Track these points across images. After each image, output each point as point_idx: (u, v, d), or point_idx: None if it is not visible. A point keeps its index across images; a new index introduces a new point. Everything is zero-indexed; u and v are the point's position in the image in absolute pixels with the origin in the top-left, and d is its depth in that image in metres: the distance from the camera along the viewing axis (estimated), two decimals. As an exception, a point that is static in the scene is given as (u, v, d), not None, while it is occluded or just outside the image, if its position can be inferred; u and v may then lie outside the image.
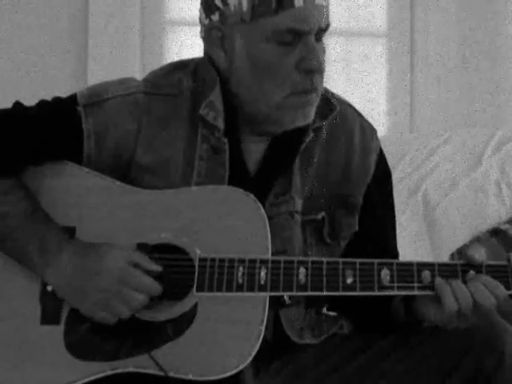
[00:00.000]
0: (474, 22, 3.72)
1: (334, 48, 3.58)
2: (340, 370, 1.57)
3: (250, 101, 1.51)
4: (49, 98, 1.59)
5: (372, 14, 3.73)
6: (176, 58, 1.68)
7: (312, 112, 1.52)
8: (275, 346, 1.56)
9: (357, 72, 3.71)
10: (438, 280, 1.41)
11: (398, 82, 3.74)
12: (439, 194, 2.95)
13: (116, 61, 3.44)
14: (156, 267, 1.44)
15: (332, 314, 1.64)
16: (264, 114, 1.51)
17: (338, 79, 3.57)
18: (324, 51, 1.51)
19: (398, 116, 3.75)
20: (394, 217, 1.69)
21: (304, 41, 1.47)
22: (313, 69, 1.47)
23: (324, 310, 1.63)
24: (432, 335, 1.52)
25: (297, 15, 1.45)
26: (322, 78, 1.51)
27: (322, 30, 1.50)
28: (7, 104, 1.58)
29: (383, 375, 1.54)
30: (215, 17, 1.51)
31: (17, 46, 3.43)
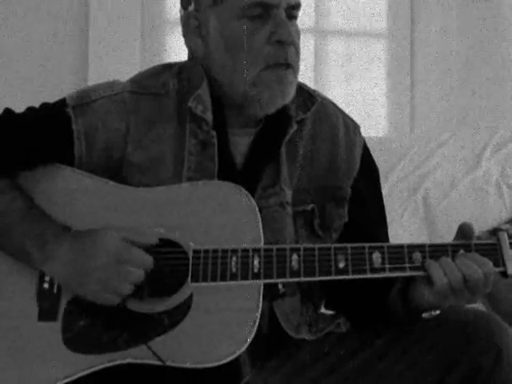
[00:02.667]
0: (474, 21, 3.72)
1: (334, 48, 3.59)
2: (338, 368, 1.57)
3: (227, 82, 1.55)
4: (49, 98, 1.60)
5: (372, 14, 3.73)
6: (176, 58, 1.70)
7: (290, 91, 1.54)
8: (272, 340, 1.56)
9: (357, 72, 3.71)
10: (428, 260, 1.43)
11: (398, 82, 3.74)
12: (439, 194, 2.96)
13: (116, 61, 3.44)
14: (149, 239, 1.46)
15: (329, 312, 1.65)
16: (242, 93, 1.54)
17: (337, 79, 3.57)
18: (298, 32, 1.55)
19: (398, 116, 3.75)
20: (384, 211, 1.70)
21: (274, 15, 1.51)
22: (283, 39, 1.51)
23: (322, 309, 1.64)
24: (429, 333, 1.52)
25: None
26: (296, 53, 1.54)
27: (292, 8, 1.53)
28: (7, 104, 1.59)
29: (381, 374, 1.54)
30: (191, 7, 1.56)
31: (17, 46, 3.43)
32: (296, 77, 1.55)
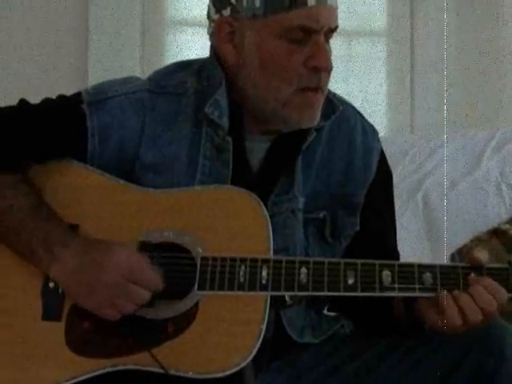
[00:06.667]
0: (473, 21, 3.72)
1: (334, 48, 3.58)
2: (340, 370, 1.57)
3: (257, 97, 1.52)
4: (49, 98, 1.59)
5: (372, 14, 3.74)
6: (176, 58, 1.68)
7: (318, 115, 1.53)
8: (276, 345, 1.56)
9: (357, 72, 3.71)
10: (442, 293, 1.39)
11: (398, 82, 3.74)
12: (439, 194, 2.95)
13: (116, 61, 3.45)
14: (156, 279, 1.44)
15: (332, 314, 1.64)
16: (271, 111, 1.52)
17: (338, 79, 3.57)
18: (331, 51, 1.53)
19: (397, 116, 3.76)
20: (394, 218, 1.69)
21: (314, 39, 1.48)
22: (321, 66, 1.49)
23: (324, 311, 1.63)
24: (432, 334, 1.51)
25: (309, 13, 1.47)
26: (328, 77, 1.52)
27: (331, 31, 1.51)
28: (8, 103, 1.58)
29: (384, 375, 1.54)
30: (226, 12, 1.51)
31: (17, 47, 3.43)
32: (324, 97, 1.53)
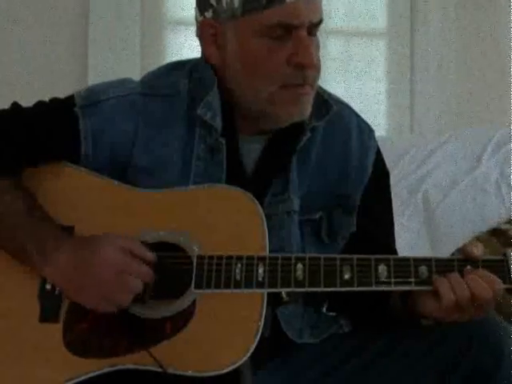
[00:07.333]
0: (473, 21, 3.73)
1: (334, 48, 3.59)
2: (338, 369, 1.57)
3: (244, 97, 1.52)
4: (49, 98, 1.59)
5: (372, 14, 3.73)
6: (176, 58, 1.69)
7: (308, 107, 1.52)
8: (274, 344, 1.56)
9: (357, 72, 3.71)
10: (436, 276, 1.41)
11: (398, 82, 3.74)
12: (439, 194, 2.96)
13: (116, 61, 3.45)
14: (151, 255, 1.45)
15: (331, 314, 1.64)
16: (258, 110, 1.52)
17: (337, 79, 3.57)
18: (318, 46, 1.51)
19: (398, 116, 3.75)
20: (392, 217, 1.69)
21: (295, 35, 1.47)
22: (304, 63, 1.47)
23: (323, 310, 1.63)
24: (430, 334, 1.52)
25: (287, 10, 1.45)
26: (316, 72, 1.51)
27: (314, 25, 1.49)
28: (6, 104, 1.58)
29: (382, 375, 1.54)
30: (208, 14, 1.52)
31: (17, 46, 3.43)
32: (313, 91, 1.52)
